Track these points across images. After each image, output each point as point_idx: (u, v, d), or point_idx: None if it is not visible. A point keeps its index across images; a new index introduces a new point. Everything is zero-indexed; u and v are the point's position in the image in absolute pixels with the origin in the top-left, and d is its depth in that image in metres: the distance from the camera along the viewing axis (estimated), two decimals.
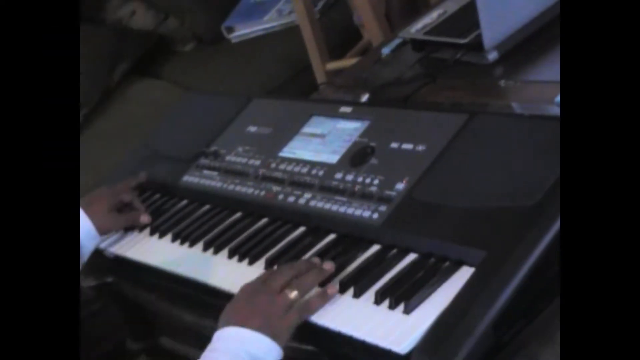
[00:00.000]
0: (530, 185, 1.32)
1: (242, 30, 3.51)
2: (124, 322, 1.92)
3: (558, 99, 1.57)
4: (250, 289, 1.40)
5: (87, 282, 1.77)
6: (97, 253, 1.76)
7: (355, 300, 1.35)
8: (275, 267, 1.49)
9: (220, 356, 1.30)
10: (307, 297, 1.37)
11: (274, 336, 1.30)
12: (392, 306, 1.30)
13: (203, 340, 1.36)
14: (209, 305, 1.53)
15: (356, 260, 1.44)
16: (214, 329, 1.36)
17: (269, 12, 3.49)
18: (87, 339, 1.76)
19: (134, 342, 1.92)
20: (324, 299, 1.36)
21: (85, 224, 1.72)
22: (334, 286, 1.38)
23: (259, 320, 1.31)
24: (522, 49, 1.81)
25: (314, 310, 1.35)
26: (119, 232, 1.82)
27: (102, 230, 1.75)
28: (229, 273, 1.57)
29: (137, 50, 3.47)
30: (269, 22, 3.47)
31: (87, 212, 1.73)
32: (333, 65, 2.91)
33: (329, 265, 1.41)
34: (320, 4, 3.41)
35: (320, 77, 2.94)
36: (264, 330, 1.30)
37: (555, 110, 1.56)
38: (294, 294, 1.34)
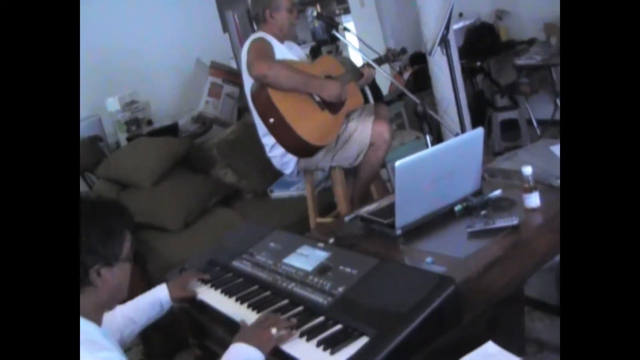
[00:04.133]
0: (404, 301, 1.32)
1: (278, 193, 3.53)
2: (189, 327, 1.90)
3: (427, 260, 1.58)
4: (254, 324, 1.42)
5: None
6: None
7: (307, 343, 1.34)
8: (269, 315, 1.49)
9: (232, 357, 1.31)
10: (280, 333, 1.37)
11: (261, 351, 1.32)
12: (325, 349, 1.29)
13: (225, 345, 1.38)
14: (230, 328, 1.52)
15: (311, 322, 1.42)
16: (231, 339, 1.37)
17: (292, 187, 3.52)
18: (171, 334, 1.74)
19: (193, 339, 1.90)
20: (288, 336, 1.37)
21: (166, 295, 1.73)
22: (294, 332, 1.38)
23: (255, 341, 1.33)
24: (414, 231, 1.82)
25: (282, 341, 1.36)
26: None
27: (173, 298, 1.74)
28: (245, 314, 1.55)
29: (224, 193, 3.49)
30: (292, 192, 3.49)
31: (168, 287, 1.74)
32: (319, 220, 2.91)
33: (293, 320, 1.42)
34: (317, 189, 3.44)
35: (312, 225, 2.95)
36: (256, 347, 1.32)
37: (426, 267, 1.56)
38: (274, 331, 1.36)
